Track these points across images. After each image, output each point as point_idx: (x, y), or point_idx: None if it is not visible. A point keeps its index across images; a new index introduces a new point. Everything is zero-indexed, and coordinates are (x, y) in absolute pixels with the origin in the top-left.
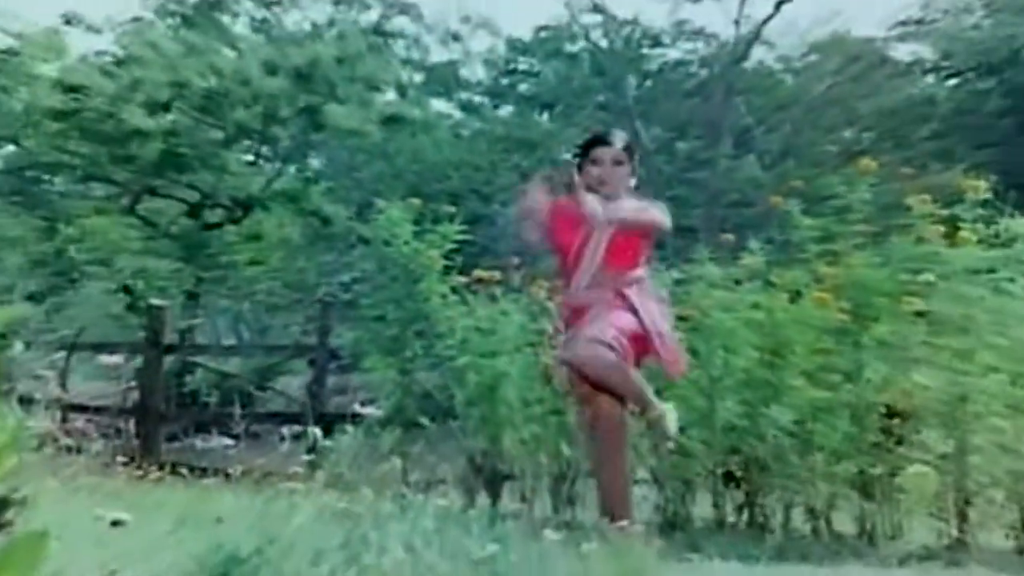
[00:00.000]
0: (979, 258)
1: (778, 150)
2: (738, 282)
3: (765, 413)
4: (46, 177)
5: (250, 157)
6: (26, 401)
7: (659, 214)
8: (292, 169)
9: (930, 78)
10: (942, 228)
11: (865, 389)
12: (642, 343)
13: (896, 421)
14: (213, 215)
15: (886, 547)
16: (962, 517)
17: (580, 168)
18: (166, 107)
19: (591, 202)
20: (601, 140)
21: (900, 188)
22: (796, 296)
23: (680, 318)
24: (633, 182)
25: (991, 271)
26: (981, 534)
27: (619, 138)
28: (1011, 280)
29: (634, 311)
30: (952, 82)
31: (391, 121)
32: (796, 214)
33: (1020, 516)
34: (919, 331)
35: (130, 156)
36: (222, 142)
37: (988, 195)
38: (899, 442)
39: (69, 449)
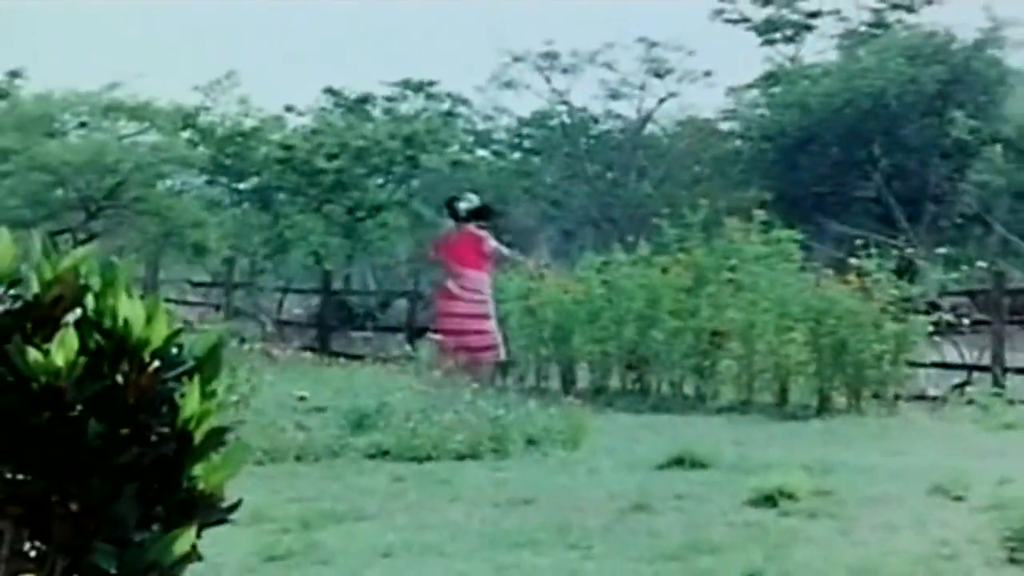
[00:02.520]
0: (761, 250)
1: (660, 177)
2: (635, 263)
3: (648, 334)
4: (274, 193)
5: (380, 181)
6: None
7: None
8: (403, 188)
9: (738, 141)
10: (741, 234)
11: (701, 321)
12: None
13: (717, 338)
14: (361, 213)
15: (710, 403)
16: (749, 388)
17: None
18: (335, 157)
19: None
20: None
21: (721, 208)
22: (664, 271)
23: (603, 282)
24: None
25: (768, 256)
26: (759, 396)
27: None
28: (778, 263)
29: None
30: (749, 144)
31: (455, 164)
32: (665, 226)
33: (779, 387)
34: (729, 290)
35: (317, 182)
36: (365, 175)
37: (765, 216)
38: (719, 348)
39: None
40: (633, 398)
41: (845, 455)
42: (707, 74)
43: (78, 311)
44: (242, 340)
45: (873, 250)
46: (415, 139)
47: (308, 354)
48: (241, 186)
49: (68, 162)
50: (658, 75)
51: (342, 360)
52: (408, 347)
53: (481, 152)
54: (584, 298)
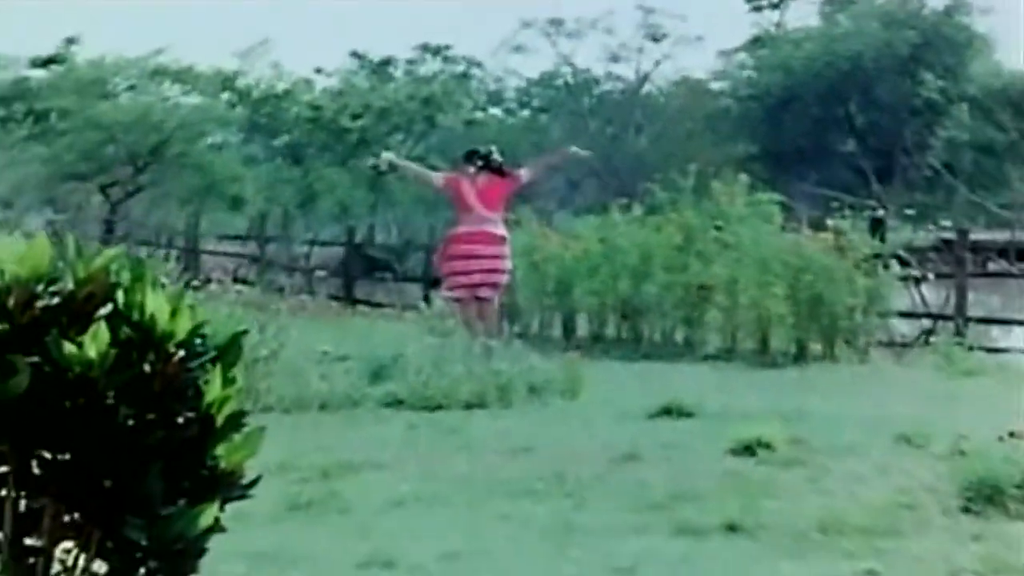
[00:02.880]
0: (744, 212)
1: (656, 133)
2: (629, 223)
3: (641, 287)
4: (304, 149)
5: (400, 138)
6: (289, 268)
7: None
8: (421, 144)
9: (727, 100)
10: (726, 197)
11: (689, 276)
12: None
13: (704, 291)
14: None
15: (698, 351)
16: (733, 337)
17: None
18: (359, 116)
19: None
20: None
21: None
22: (657, 230)
23: (600, 240)
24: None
25: (750, 217)
26: (742, 344)
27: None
28: (759, 223)
29: None
30: (737, 102)
31: (469, 123)
32: (658, 191)
33: (760, 337)
34: (716, 247)
35: (343, 140)
36: (387, 132)
37: (751, 169)
38: (705, 300)
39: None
40: (628, 346)
41: (818, 403)
42: (699, 39)
43: (109, 306)
44: (280, 290)
45: (847, 211)
46: (432, 100)
47: (334, 303)
48: (274, 143)
49: (118, 121)
50: (654, 39)
51: (364, 309)
52: (423, 302)
53: (493, 110)
54: (583, 255)
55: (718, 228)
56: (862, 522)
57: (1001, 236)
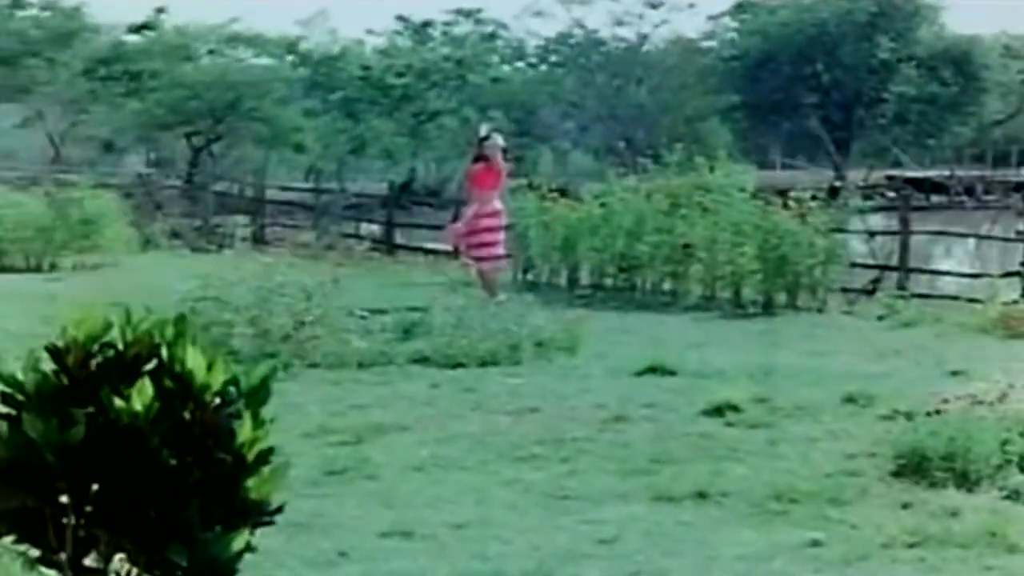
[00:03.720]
0: (724, 181)
1: (654, 85)
2: (625, 189)
3: (635, 245)
4: (355, 103)
5: (437, 93)
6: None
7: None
8: (454, 98)
9: (714, 58)
10: (707, 169)
11: (675, 236)
12: None
13: (688, 249)
14: (422, 118)
15: (682, 300)
16: (712, 288)
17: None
18: (403, 75)
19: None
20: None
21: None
22: (648, 197)
23: (601, 204)
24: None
25: (726, 187)
26: (720, 294)
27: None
28: (733, 192)
29: None
30: (722, 61)
31: (495, 80)
32: (650, 165)
33: (734, 289)
34: (698, 212)
35: (388, 95)
36: (426, 88)
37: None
38: (689, 256)
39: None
40: (623, 294)
41: (781, 358)
42: (691, 5)
43: (154, 361)
44: (330, 247)
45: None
46: (464, 61)
47: (375, 254)
48: (331, 98)
49: (200, 80)
50: (653, 6)
51: (404, 255)
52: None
53: (518, 64)
54: (586, 216)
55: (700, 195)
56: (811, 488)
57: (941, 173)
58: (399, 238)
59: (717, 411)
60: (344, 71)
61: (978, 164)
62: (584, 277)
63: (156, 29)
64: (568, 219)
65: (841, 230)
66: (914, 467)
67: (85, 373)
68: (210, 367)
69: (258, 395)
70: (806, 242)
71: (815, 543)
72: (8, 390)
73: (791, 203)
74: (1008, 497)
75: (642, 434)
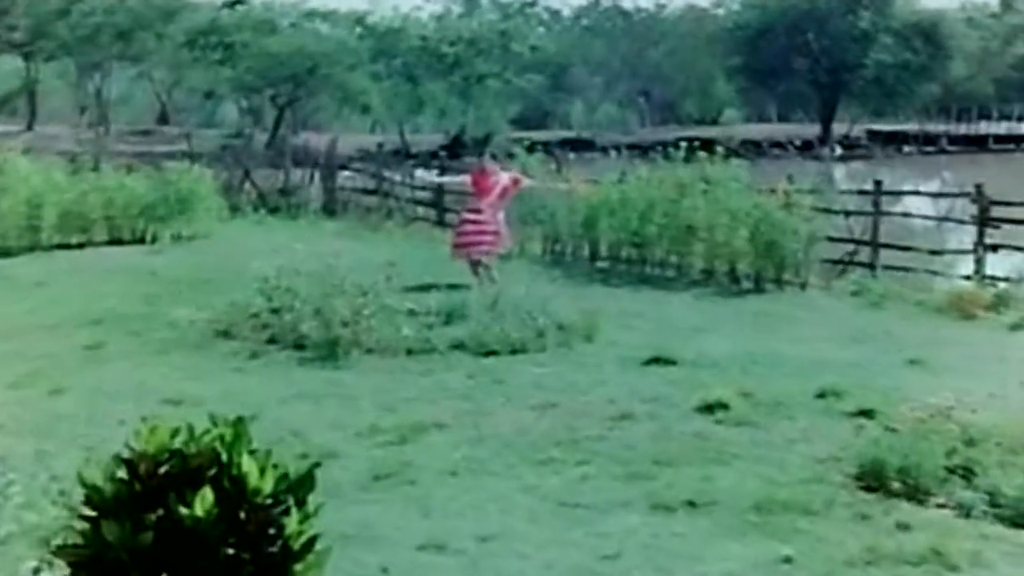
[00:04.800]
0: (720, 174)
1: (670, 48)
2: (638, 178)
3: (646, 226)
4: (413, 68)
5: (484, 59)
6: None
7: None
8: (498, 63)
9: (722, 27)
10: (708, 163)
11: (681, 220)
12: None
13: (691, 231)
14: (471, 81)
15: (685, 276)
16: (711, 266)
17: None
18: (454, 44)
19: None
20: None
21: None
22: (658, 185)
23: (619, 191)
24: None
25: (724, 178)
26: (719, 269)
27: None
28: (729, 183)
29: None
30: (728, 31)
31: (533, 48)
32: (659, 159)
33: (730, 267)
34: (700, 199)
35: (442, 61)
36: (474, 55)
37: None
38: (692, 236)
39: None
40: (635, 267)
41: (766, 343)
42: None
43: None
44: (389, 212)
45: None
46: (507, 32)
47: (426, 223)
48: (393, 64)
49: (282, 50)
50: None
51: (450, 217)
52: None
53: (555, 27)
54: (605, 200)
55: (703, 185)
56: (787, 498)
57: (912, 127)
58: (447, 201)
59: (709, 408)
60: (404, 41)
61: (944, 119)
62: (603, 251)
63: (245, 5)
64: (590, 201)
65: (826, 210)
66: (873, 476)
67: (155, 481)
68: (262, 472)
69: (304, 485)
70: (791, 229)
71: (787, 559)
72: (90, 495)
73: (780, 194)
74: (954, 510)
75: (645, 433)
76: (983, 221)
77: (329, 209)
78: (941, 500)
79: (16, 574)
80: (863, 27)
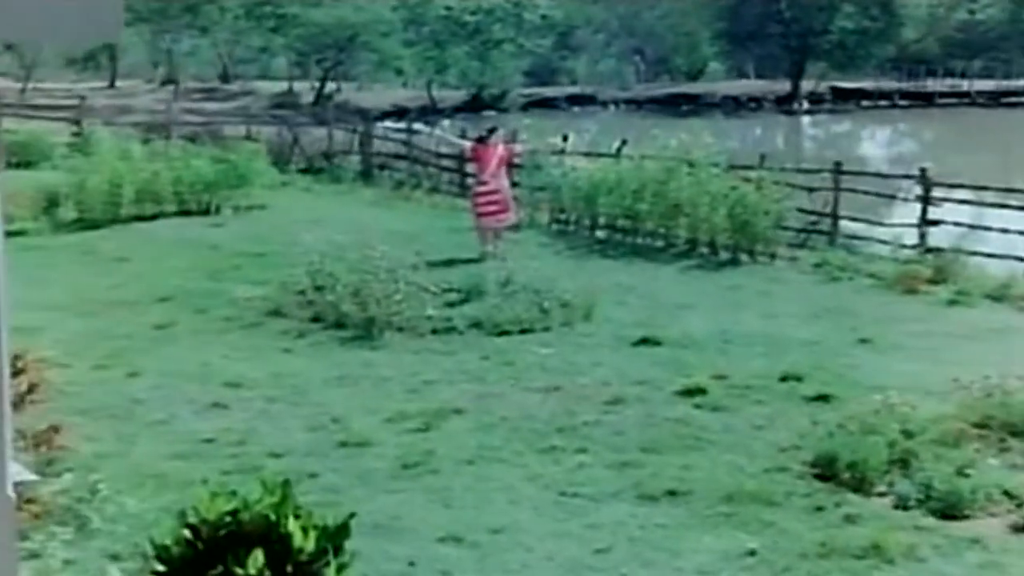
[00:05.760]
0: (702, 159)
1: (665, 11)
2: (631, 159)
3: (638, 203)
4: (439, 35)
5: (500, 26)
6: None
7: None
8: (512, 29)
9: None
10: (690, 149)
11: (668, 199)
12: None
13: (677, 208)
14: (490, 45)
15: (671, 249)
16: (694, 239)
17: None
18: (475, 13)
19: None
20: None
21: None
22: (649, 168)
23: (614, 172)
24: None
25: (705, 163)
26: (701, 241)
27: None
28: (709, 167)
29: None
30: None
31: (544, 16)
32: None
33: (710, 241)
34: (685, 180)
35: (465, 29)
36: (491, 23)
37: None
38: (678, 213)
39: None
40: (628, 238)
41: (739, 320)
42: None
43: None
44: (417, 184)
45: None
46: (520, 2)
47: (449, 197)
48: (422, 31)
49: (326, 20)
50: None
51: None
52: None
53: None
54: (603, 179)
55: (688, 167)
56: (753, 489)
57: (870, 84)
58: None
59: (688, 393)
60: (431, 12)
61: (897, 76)
62: (601, 222)
63: None
64: (591, 179)
65: (791, 185)
66: (826, 467)
67: (215, 543)
68: (305, 531)
69: (340, 534)
70: (762, 209)
71: (752, 552)
72: (160, 554)
73: (752, 179)
74: (894, 502)
75: (634, 418)
76: (927, 200)
77: (366, 173)
78: (883, 490)
79: None
80: None
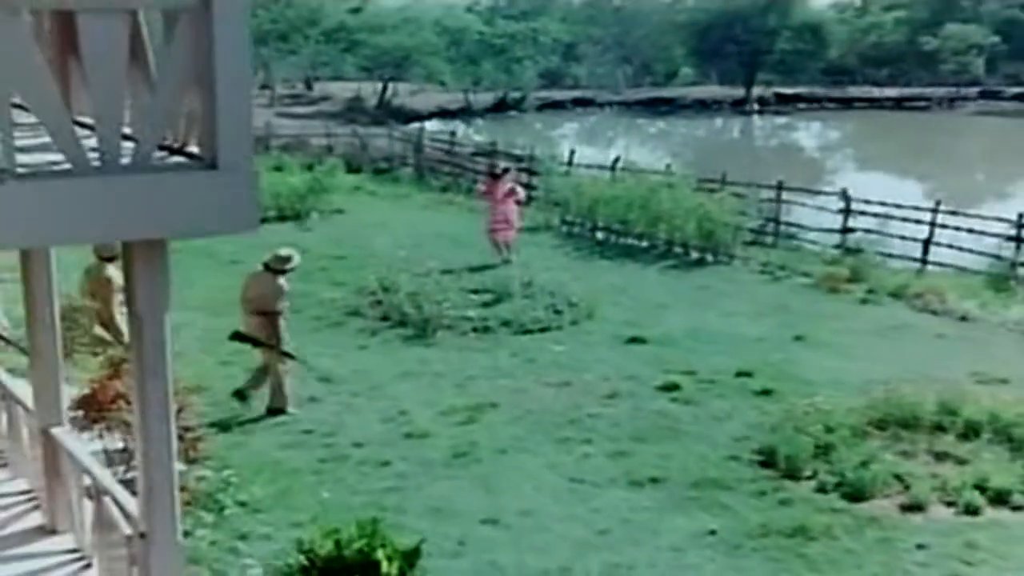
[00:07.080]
0: (676, 181)
1: (647, 31)
2: (623, 181)
3: (629, 212)
4: (473, 55)
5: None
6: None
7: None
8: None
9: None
10: (668, 175)
11: (651, 211)
12: None
13: (656, 218)
14: (513, 61)
15: (654, 251)
16: (671, 242)
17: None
18: (501, 37)
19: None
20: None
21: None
22: (635, 185)
23: (609, 188)
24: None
25: (679, 184)
26: (677, 245)
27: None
28: (682, 188)
29: None
30: (690, 16)
31: (555, 39)
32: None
33: (683, 245)
34: (665, 196)
35: (493, 48)
36: (512, 44)
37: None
38: (659, 221)
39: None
40: (621, 241)
41: (705, 319)
42: None
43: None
44: (445, 188)
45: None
46: (537, 29)
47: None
48: (460, 51)
49: (386, 44)
50: None
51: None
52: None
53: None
54: (601, 193)
55: (667, 187)
56: (715, 475)
57: (805, 91)
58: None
59: (667, 388)
60: (468, 36)
61: (826, 85)
62: (600, 226)
63: (362, 11)
64: (592, 193)
65: (738, 196)
66: (769, 456)
67: (326, 572)
68: (390, 559)
69: (413, 554)
70: (722, 221)
71: (713, 532)
72: None
73: (716, 195)
74: (816, 485)
75: (626, 411)
76: (847, 212)
77: (419, 177)
78: (808, 474)
79: None
80: (772, 25)
